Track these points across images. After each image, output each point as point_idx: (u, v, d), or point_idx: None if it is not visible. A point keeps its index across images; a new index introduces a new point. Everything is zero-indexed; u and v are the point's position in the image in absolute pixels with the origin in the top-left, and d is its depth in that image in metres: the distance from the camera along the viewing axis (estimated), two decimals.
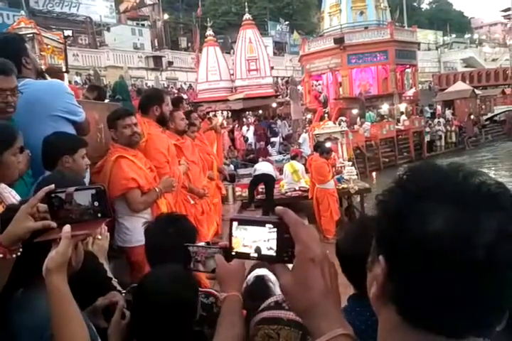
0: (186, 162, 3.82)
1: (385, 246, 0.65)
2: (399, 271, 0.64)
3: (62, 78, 4.46)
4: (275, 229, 0.75)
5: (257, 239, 0.77)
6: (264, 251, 0.76)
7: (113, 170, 3.02)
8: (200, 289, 1.99)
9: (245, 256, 0.78)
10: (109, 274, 1.84)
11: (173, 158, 3.59)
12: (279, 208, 0.75)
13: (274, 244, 0.75)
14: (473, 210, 0.59)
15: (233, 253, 0.79)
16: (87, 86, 11.23)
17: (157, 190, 3.13)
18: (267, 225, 0.75)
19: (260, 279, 1.52)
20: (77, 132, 2.61)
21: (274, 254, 0.75)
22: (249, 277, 1.56)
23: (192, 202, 4.37)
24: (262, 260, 0.77)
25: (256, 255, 0.76)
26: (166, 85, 29.89)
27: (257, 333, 1.18)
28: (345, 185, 8.99)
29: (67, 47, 9.39)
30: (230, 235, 0.79)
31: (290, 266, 0.75)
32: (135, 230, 2.92)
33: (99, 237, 1.90)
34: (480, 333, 0.62)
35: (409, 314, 0.64)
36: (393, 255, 0.64)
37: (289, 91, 19.62)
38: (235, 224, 0.79)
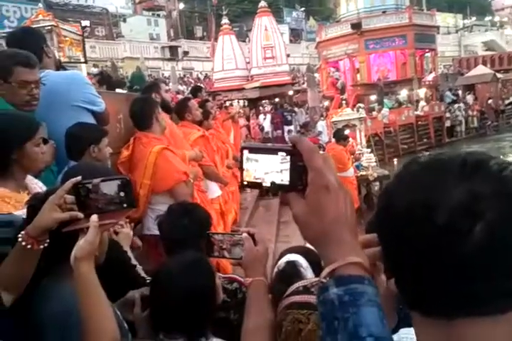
0: (201, 152, 3.83)
1: (377, 231, 0.66)
2: (385, 250, 0.65)
3: None
4: (288, 158, 0.70)
5: (269, 170, 0.72)
6: (278, 182, 0.72)
7: (159, 162, 2.99)
8: (223, 275, 2.02)
9: (257, 185, 0.74)
10: (134, 261, 1.87)
11: (176, 141, 3.56)
12: (293, 135, 0.73)
13: (287, 175, 0.71)
14: (440, 177, 0.58)
15: (245, 182, 0.74)
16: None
17: (191, 181, 3.17)
18: (280, 153, 0.71)
19: (291, 264, 1.53)
20: (97, 122, 2.65)
21: (288, 183, 0.71)
22: (280, 262, 1.57)
23: (220, 192, 4.43)
24: (275, 189, 0.73)
25: (269, 184, 0.72)
26: (182, 75, 29.87)
27: (286, 318, 1.19)
28: (363, 172, 8.92)
29: (85, 39, 9.45)
30: (241, 167, 0.74)
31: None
32: None
33: (124, 226, 1.93)
34: (476, 311, 0.57)
35: (402, 295, 0.63)
36: (378, 233, 0.65)
37: (305, 78, 19.45)
38: (245, 152, 0.74)
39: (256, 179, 0.74)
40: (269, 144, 0.77)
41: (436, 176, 0.59)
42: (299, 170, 0.70)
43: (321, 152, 0.70)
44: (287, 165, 0.71)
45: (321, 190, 0.68)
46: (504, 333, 0.58)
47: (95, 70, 19.89)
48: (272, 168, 0.72)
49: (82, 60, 7.14)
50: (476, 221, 0.54)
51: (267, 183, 0.73)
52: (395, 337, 1.09)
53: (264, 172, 0.73)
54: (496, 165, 0.58)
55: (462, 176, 0.57)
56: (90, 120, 2.59)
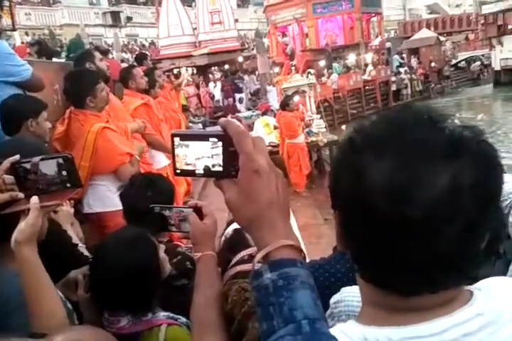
0: (144, 122, 3.71)
1: (332, 199, 0.66)
2: (343, 225, 0.65)
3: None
4: (220, 143, 0.70)
5: (199, 155, 0.71)
6: (211, 169, 0.72)
7: (99, 143, 2.80)
8: (185, 245, 2.03)
9: (191, 173, 0.73)
10: (75, 240, 1.81)
11: (116, 114, 3.39)
12: (222, 119, 0.71)
13: (219, 160, 0.70)
14: (417, 161, 0.56)
15: (178, 171, 0.74)
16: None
17: (137, 158, 3.06)
18: (211, 139, 0.70)
19: (239, 232, 1.53)
20: (28, 91, 2.50)
21: (221, 170, 0.70)
22: (227, 230, 1.56)
23: (167, 161, 4.34)
24: (209, 176, 0.72)
25: (202, 172, 0.72)
26: (126, 42, 28.70)
27: (232, 287, 1.19)
28: (314, 138, 9.03)
29: (18, 5, 8.85)
30: (173, 153, 0.73)
31: None
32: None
33: (63, 204, 1.86)
34: (434, 290, 0.61)
35: (359, 268, 0.65)
36: (337, 208, 0.65)
37: (254, 44, 19.18)
38: (176, 140, 0.73)
39: (187, 165, 0.72)
40: (201, 130, 0.74)
41: (401, 158, 0.57)
42: (231, 155, 0.68)
43: (252, 134, 0.68)
44: (218, 150, 0.70)
45: (251, 174, 0.66)
46: (453, 295, 0.63)
47: (28, 39, 18.77)
48: (202, 154, 0.71)
49: (12, 27, 6.69)
50: (456, 217, 0.54)
51: (200, 170, 0.72)
52: (337, 295, 1.12)
53: (195, 158, 0.72)
54: (476, 142, 0.58)
55: (445, 159, 0.56)
56: (14, 91, 2.43)
